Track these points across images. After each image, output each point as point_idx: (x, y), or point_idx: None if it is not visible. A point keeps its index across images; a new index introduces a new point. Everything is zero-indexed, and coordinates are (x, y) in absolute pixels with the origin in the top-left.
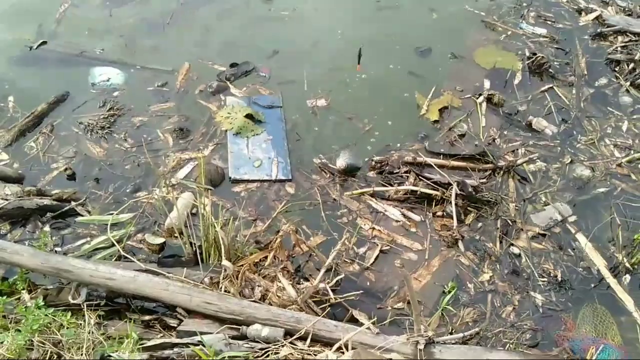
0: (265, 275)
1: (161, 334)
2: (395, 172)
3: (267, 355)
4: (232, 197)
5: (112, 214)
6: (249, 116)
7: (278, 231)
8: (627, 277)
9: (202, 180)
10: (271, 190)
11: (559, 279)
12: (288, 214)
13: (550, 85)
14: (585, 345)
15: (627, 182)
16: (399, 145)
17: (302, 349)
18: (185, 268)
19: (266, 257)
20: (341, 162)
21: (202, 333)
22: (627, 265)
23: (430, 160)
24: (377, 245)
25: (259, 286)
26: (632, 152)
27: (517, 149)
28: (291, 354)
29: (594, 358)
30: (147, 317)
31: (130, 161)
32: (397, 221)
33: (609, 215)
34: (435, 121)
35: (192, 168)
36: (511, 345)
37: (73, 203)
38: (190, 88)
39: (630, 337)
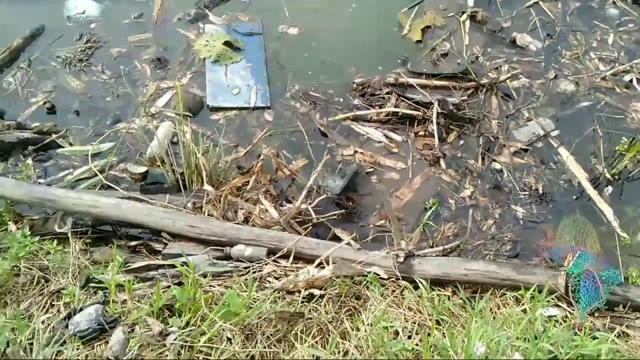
0: (248, 199)
1: (147, 258)
2: (377, 93)
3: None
4: (211, 125)
5: (92, 144)
6: (227, 44)
7: (259, 155)
8: (609, 188)
9: (181, 108)
10: (251, 117)
11: (540, 192)
12: (269, 140)
13: (536, 0)
14: (564, 254)
15: (611, 95)
16: (380, 68)
17: (285, 266)
18: (168, 194)
19: (248, 182)
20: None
21: (186, 255)
22: (608, 176)
23: (412, 81)
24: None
25: (241, 209)
26: (617, 65)
27: (501, 66)
28: (274, 270)
29: (571, 264)
30: (133, 243)
31: (110, 93)
32: (379, 142)
33: (591, 128)
34: (418, 41)
35: (171, 97)
36: (491, 256)
37: (54, 135)
38: (168, 17)
39: (609, 245)
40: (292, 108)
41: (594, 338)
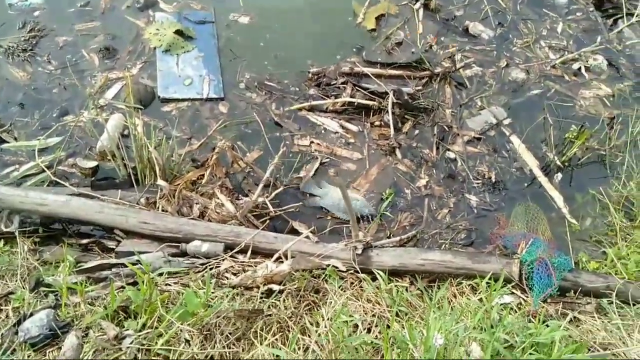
0: (203, 193)
1: (99, 257)
2: (332, 83)
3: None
4: (163, 117)
5: (39, 139)
6: (179, 32)
7: (214, 148)
8: (559, 175)
9: (131, 99)
10: (204, 108)
11: (493, 180)
12: (224, 132)
13: None
14: (517, 241)
15: (561, 83)
16: (339, 57)
17: (243, 262)
18: (120, 190)
19: (203, 175)
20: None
21: (140, 253)
22: (558, 163)
23: (368, 70)
24: (317, 158)
25: (197, 204)
26: (566, 53)
27: (454, 55)
28: (232, 266)
29: (524, 251)
30: (84, 241)
31: (56, 84)
32: (335, 133)
33: (542, 117)
34: (372, 30)
35: (121, 88)
36: (446, 245)
37: None
38: (116, 4)
39: (560, 231)
40: (247, 98)
41: (547, 325)
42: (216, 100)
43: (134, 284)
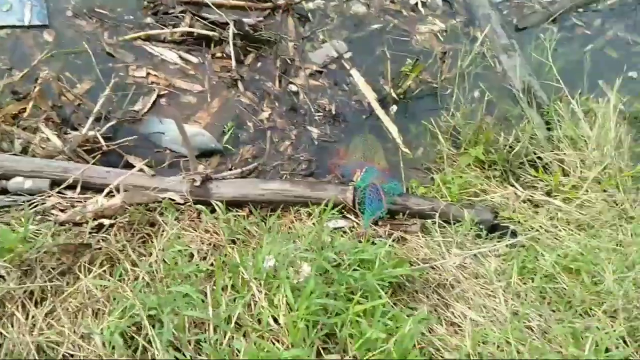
0: (26, 127)
1: None
2: (170, 12)
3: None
4: None
5: None
6: None
7: (37, 79)
8: (394, 107)
9: None
10: (27, 37)
11: (334, 113)
12: (51, 62)
13: None
14: (354, 170)
15: (399, 18)
16: None
17: (72, 198)
18: None
19: (25, 109)
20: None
21: None
22: (394, 96)
23: None
24: (155, 90)
25: (18, 138)
26: None
27: None
28: (59, 203)
29: (359, 179)
30: None
31: None
32: (174, 64)
33: (380, 50)
34: None
35: None
36: (287, 176)
37: None
38: None
39: (394, 160)
40: (76, 27)
41: (374, 244)
42: (40, 27)
43: None
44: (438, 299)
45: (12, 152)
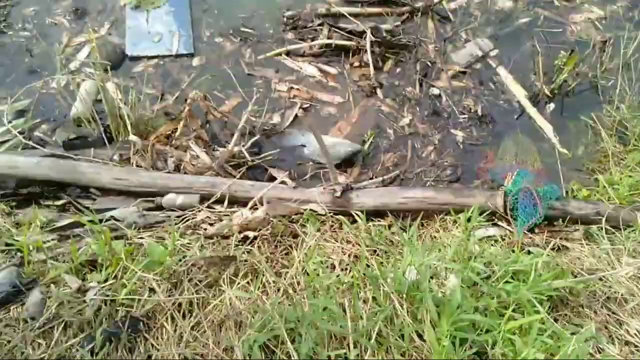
0: (178, 146)
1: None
2: (308, 26)
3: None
4: (133, 76)
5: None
6: None
7: (186, 99)
8: (551, 105)
9: (97, 57)
10: (174, 65)
11: (480, 114)
12: (198, 85)
13: None
14: (504, 174)
15: (550, 9)
16: None
17: (220, 212)
18: (93, 149)
19: (177, 129)
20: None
21: (113, 208)
22: (547, 92)
23: (344, 10)
24: (297, 103)
25: (171, 157)
26: None
27: None
28: (208, 217)
29: (510, 183)
30: (60, 202)
31: (24, 51)
32: (313, 77)
33: (530, 43)
34: None
35: (90, 50)
36: (431, 183)
37: None
38: None
39: (550, 162)
40: (220, 49)
41: (530, 253)
42: (186, 56)
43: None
44: (608, 315)
45: (166, 170)
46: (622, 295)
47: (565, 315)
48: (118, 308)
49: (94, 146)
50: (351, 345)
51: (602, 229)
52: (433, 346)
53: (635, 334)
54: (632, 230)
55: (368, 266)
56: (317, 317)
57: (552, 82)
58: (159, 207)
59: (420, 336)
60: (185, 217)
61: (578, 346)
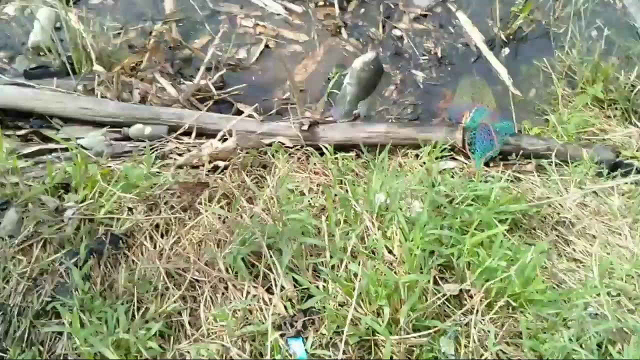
0: (143, 79)
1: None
2: None
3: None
4: (94, 8)
5: None
6: None
7: (151, 32)
8: (506, 50)
9: None
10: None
11: (439, 56)
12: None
13: None
14: (462, 112)
15: None
16: None
17: (188, 143)
18: (55, 79)
19: (142, 61)
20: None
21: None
22: (503, 37)
23: None
24: (262, 40)
25: (137, 89)
26: None
27: None
28: (177, 147)
29: (468, 120)
30: (21, 132)
31: None
32: (279, 14)
33: None
34: None
35: None
36: (393, 120)
37: None
38: None
39: (504, 102)
40: None
41: (487, 182)
42: None
43: None
44: (557, 236)
45: (132, 102)
46: (569, 219)
47: (520, 236)
48: (97, 227)
49: (57, 76)
50: (328, 257)
51: (552, 163)
52: (406, 257)
53: (580, 252)
54: (579, 164)
55: (336, 195)
56: (295, 232)
57: (508, 27)
58: (127, 138)
59: (390, 251)
60: (154, 147)
61: (535, 256)
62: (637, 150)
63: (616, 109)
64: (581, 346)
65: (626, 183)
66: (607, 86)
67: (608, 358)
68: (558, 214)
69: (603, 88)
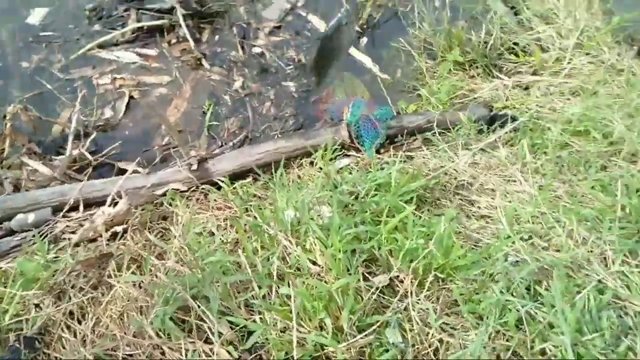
0: (11, 166)
1: None
2: (114, 14)
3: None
4: None
5: None
6: None
7: (4, 116)
8: (364, 39)
9: None
10: None
11: (304, 62)
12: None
13: None
14: (341, 109)
15: None
16: None
17: (78, 217)
18: None
19: (3, 149)
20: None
21: None
22: (357, 28)
23: None
24: (125, 93)
25: (6, 178)
26: None
27: None
28: (67, 226)
29: (348, 115)
30: None
31: None
32: (134, 62)
33: None
34: None
35: None
36: (278, 135)
37: None
38: None
39: (376, 89)
40: (26, 58)
41: (383, 169)
42: None
43: None
44: (461, 200)
45: (5, 193)
46: (466, 181)
47: (428, 210)
48: (6, 335)
49: None
50: (256, 288)
51: (435, 133)
52: (330, 263)
53: (485, 208)
54: (460, 128)
55: (245, 224)
56: (216, 274)
57: (360, 18)
58: (10, 232)
59: (314, 263)
60: (43, 233)
61: (447, 224)
62: (506, 100)
63: (477, 67)
64: (512, 295)
65: (506, 132)
66: (463, 49)
67: (539, 299)
68: (455, 179)
69: (460, 52)
